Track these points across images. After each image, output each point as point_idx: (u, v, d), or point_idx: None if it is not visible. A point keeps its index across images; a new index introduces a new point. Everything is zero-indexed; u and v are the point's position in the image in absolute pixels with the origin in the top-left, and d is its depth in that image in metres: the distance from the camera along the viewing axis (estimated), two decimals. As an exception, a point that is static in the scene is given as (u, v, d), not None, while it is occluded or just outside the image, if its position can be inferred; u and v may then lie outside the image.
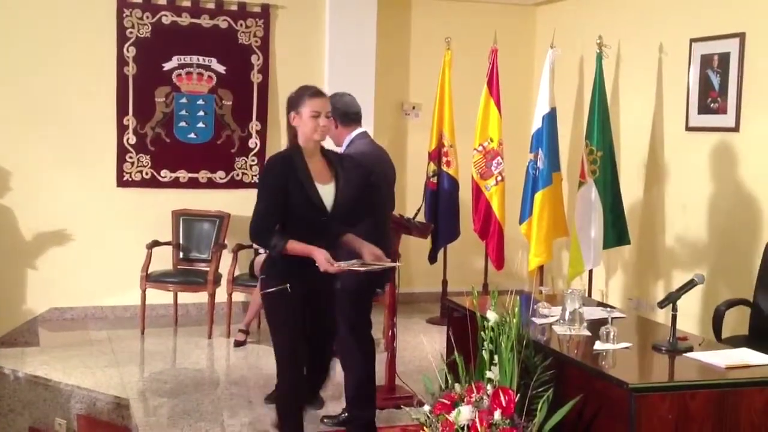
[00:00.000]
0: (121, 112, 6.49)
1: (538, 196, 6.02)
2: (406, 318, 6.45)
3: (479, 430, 3.28)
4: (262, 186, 3.66)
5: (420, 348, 5.75)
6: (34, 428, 4.90)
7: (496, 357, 3.44)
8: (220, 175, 6.78)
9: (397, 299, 4.75)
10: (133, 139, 6.54)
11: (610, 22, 6.41)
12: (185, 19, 6.57)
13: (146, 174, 6.59)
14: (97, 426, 4.54)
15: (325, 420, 4.45)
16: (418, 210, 4.92)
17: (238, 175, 6.82)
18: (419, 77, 7.25)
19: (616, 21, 6.42)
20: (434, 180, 6.63)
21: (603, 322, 3.57)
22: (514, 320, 3.42)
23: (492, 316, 3.48)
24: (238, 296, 6.35)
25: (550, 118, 6.06)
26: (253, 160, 6.83)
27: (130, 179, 6.56)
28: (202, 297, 6.20)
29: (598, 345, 3.45)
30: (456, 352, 3.58)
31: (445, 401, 3.45)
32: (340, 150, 4.20)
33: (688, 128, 5.74)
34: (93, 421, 4.59)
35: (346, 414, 4.29)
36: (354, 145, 4.14)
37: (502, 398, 3.32)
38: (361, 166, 3.94)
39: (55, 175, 6.31)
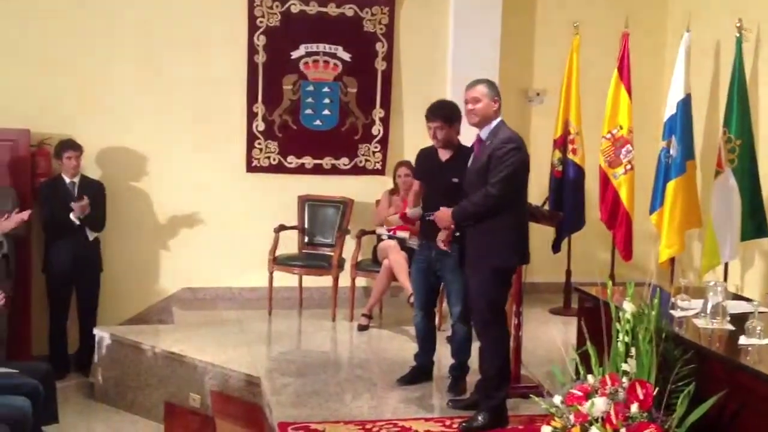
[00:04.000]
0: (251, 99, 6.67)
1: (671, 185, 5.82)
2: (527, 308, 6.31)
3: (614, 422, 3.21)
4: None
5: (543, 338, 5.66)
6: (169, 402, 5.11)
7: (632, 349, 3.36)
8: (344, 162, 6.88)
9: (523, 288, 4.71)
10: (261, 126, 6.72)
11: (748, 5, 6.09)
12: (313, 8, 6.68)
13: (273, 160, 6.76)
14: (229, 402, 4.70)
15: (450, 403, 4.46)
16: (547, 199, 4.85)
17: (361, 161, 6.89)
18: (543, 63, 7.13)
19: (755, 3, 6.09)
20: (559, 168, 6.51)
21: (746, 316, 3.42)
22: (653, 312, 3.32)
23: (629, 307, 3.39)
24: (361, 281, 6.43)
25: (685, 105, 5.84)
26: (376, 147, 6.89)
27: (259, 165, 6.74)
28: (325, 281, 6.31)
29: (743, 340, 3.31)
30: (588, 343, 3.52)
31: (578, 392, 3.40)
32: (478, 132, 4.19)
33: (835, 115, 5.40)
34: (226, 397, 4.75)
35: (476, 396, 4.30)
36: (502, 131, 4.11)
37: (639, 391, 3.23)
38: None
39: (189, 160, 6.55)
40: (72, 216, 5.86)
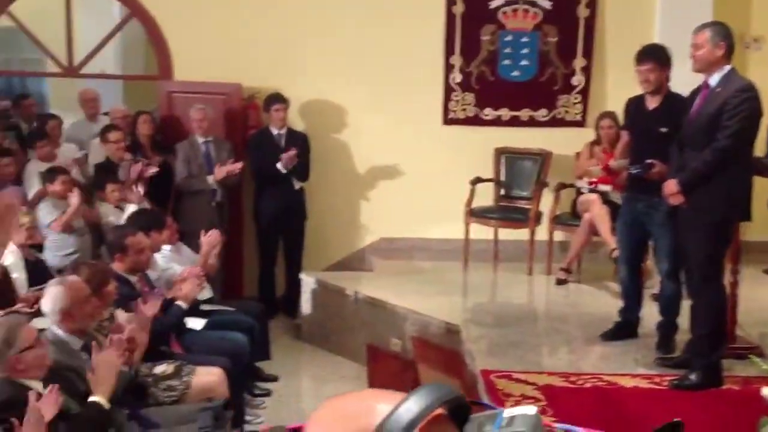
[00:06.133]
0: (448, 51, 6.65)
1: None
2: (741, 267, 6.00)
3: None
4: None
5: (759, 299, 5.30)
6: (372, 345, 5.29)
7: None
8: (542, 113, 6.72)
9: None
10: (458, 78, 6.69)
11: None
12: (513, -45, 6.54)
13: (470, 112, 6.73)
14: (430, 348, 4.80)
15: (658, 361, 4.31)
16: (769, 151, 4.52)
17: (560, 113, 6.71)
18: (762, 6, 6.57)
19: None
20: (781, 118, 6.01)
21: None
22: None
23: None
24: (558, 235, 6.30)
25: None
26: (576, 98, 6.68)
27: (455, 117, 6.73)
28: (521, 234, 6.24)
29: None
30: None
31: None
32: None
33: None
34: (426, 343, 4.86)
35: (688, 355, 4.13)
36: (736, 78, 3.91)
37: None
38: None
39: (387, 112, 6.63)
40: (279, 166, 6.15)
